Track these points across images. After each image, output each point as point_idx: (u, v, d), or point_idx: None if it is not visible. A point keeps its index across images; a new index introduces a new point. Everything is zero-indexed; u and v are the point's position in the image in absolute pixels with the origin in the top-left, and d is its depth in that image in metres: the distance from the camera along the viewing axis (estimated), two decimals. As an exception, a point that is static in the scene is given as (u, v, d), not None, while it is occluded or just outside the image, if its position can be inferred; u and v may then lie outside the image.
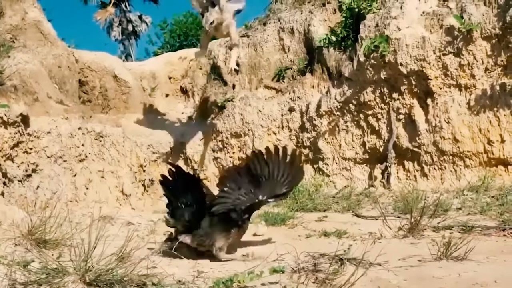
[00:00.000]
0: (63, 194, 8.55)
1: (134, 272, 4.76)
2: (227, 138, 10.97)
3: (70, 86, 10.20)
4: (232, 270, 5.50)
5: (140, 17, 33.55)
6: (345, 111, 10.05)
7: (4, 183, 7.90)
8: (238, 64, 11.58)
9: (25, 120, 8.35)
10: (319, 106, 10.29)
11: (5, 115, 7.99)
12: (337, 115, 10.12)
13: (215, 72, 12.12)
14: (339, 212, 8.39)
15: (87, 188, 9.05)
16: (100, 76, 11.18)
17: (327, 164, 10.20)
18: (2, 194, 7.81)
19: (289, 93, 10.84)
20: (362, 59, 9.71)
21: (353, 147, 10.02)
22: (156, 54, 17.97)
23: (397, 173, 9.57)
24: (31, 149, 8.42)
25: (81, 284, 4.46)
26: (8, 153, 8.04)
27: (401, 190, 8.83)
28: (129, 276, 4.68)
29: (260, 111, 10.82)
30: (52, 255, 5.74)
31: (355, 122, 10.00)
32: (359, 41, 9.97)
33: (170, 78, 13.17)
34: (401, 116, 9.54)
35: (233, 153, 10.93)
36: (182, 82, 13.09)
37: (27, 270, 4.61)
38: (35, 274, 4.51)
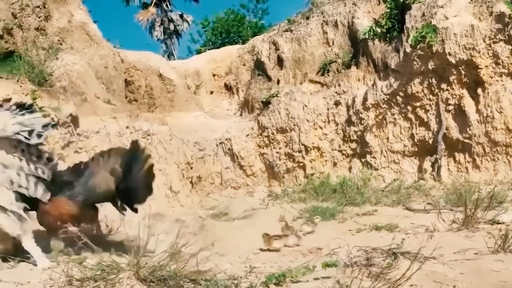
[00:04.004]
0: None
1: (187, 268, 4.77)
2: (273, 133, 10.93)
3: (116, 86, 10.30)
4: (284, 265, 5.48)
5: (181, 16, 33.72)
6: (392, 104, 9.92)
7: (56, 183, 8.00)
8: (282, 59, 11.56)
9: (74, 120, 8.48)
10: (365, 99, 10.18)
11: (56, 115, 8.11)
12: (384, 107, 9.99)
13: (259, 67, 12.09)
14: (389, 206, 8.28)
15: (136, 186, 9.11)
16: (146, 75, 11.26)
17: (375, 158, 10.09)
18: (54, 193, 7.92)
19: (335, 87, 10.75)
20: (408, 50, 9.57)
21: (401, 140, 9.89)
22: (199, 52, 18.03)
23: (448, 165, 9.41)
24: (81, 148, 8.53)
25: (135, 280, 4.48)
26: (59, 153, 8.15)
27: (452, 183, 8.67)
28: (182, 272, 4.69)
29: (305, 106, 10.75)
30: (106, 252, 5.80)
31: (403, 115, 9.86)
32: (405, 31, 9.82)
33: (214, 75, 13.19)
34: (451, 107, 9.37)
35: (280, 148, 10.88)
36: (226, 79, 13.09)
37: (83, 267, 4.65)
38: (90, 270, 4.55)
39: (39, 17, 9.55)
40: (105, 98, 9.46)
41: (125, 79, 10.90)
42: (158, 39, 34.73)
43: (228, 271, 4.98)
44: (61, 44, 9.54)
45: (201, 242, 5.49)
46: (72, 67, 9.14)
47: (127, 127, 9.23)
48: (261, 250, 6.51)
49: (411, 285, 4.26)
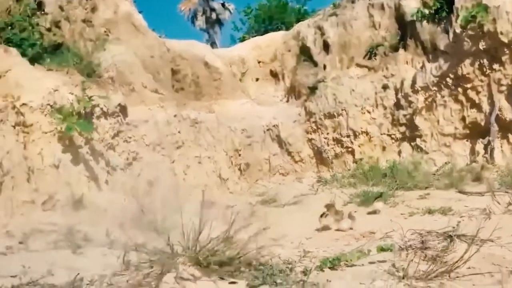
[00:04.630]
0: (163, 181, 8.70)
1: (241, 252, 4.78)
2: (320, 119, 10.87)
3: (163, 75, 10.34)
4: (337, 250, 5.45)
5: (223, 4, 33.74)
6: (442, 86, 9.76)
7: (108, 172, 8.11)
8: (327, 44, 11.46)
9: (123, 110, 8.54)
10: (414, 82, 10.04)
11: (105, 105, 8.18)
12: (434, 90, 9.84)
13: (305, 53, 12.02)
14: (441, 189, 8.19)
15: (185, 174, 9.20)
16: (192, 64, 11.27)
17: (425, 141, 9.96)
18: (107, 182, 8.02)
19: (382, 70, 10.62)
20: (458, 30, 9.39)
21: (452, 122, 9.73)
22: (242, 40, 17.97)
23: (501, 147, 9.22)
24: (130, 138, 8.60)
25: (191, 264, 4.50)
26: (109, 143, 8.24)
27: (506, 165, 8.51)
28: (237, 256, 4.70)
29: (353, 90, 10.66)
30: (159, 238, 5.86)
31: (453, 97, 9.69)
32: (454, 12, 9.64)
33: (259, 62, 13.14)
34: (503, 88, 9.17)
35: (327, 133, 10.83)
36: (271, 65, 13.03)
37: (140, 253, 4.70)
38: (147, 255, 4.60)
39: (85, 9, 9.64)
40: (152, 87, 9.51)
41: (171, 69, 10.93)
42: (200, 29, 34.83)
43: (282, 256, 4.98)
44: (107, 35, 9.60)
45: (253, 228, 5.47)
46: (119, 58, 9.20)
47: (175, 115, 9.29)
48: (317, 230, 6.54)
49: (469, 268, 4.20)
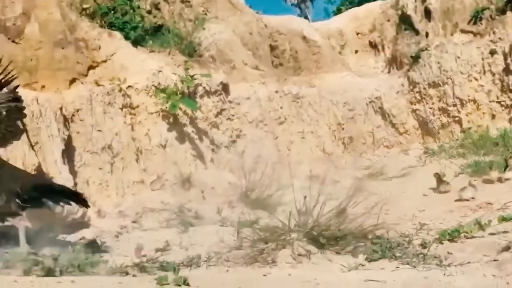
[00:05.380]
0: (267, 157, 8.69)
1: (356, 227, 4.70)
2: (424, 88, 10.51)
3: (262, 52, 10.29)
4: (454, 221, 5.28)
5: (315, -22, 33.40)
6: (556, 47, 9.23)
7: (212, 150, 8.19)
8: (429, 11, 11.07)
9: (225, 88, 8.58)
10: (524, 45, 9.55)
11: (207, 84, 8.24)
12: (547, 52, 9.33)
13: (405, 22, 11.62)
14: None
15: (289, 150, 9.15)
16: (289, 38, 11.15)
17: (539, 108, 9.47)
18: (212, 160, 8.11)
19: (489, 35, 10.12)
20: None
21: None
22: (337, 12, 17.68)
23: None
24: (233, 115, 8.63)
25: (305, 240, 4.46)
26: (213, 121, 8.30)
27: None
28: (351, 231, 4.62)
29: (458, 58, 10.23)
30: (268, 214, 5.86)
31: None
32: None
33: (357, 33, 12.84)
34: None
35: (433, 103, 10.45)
36: (370, 36, 12.71)
37: (253, 229, 4.70)
38: (260, 232, 4.59)
39: (183, -11, 9.74)
40: (252, 64, 9.48)
41: (270, 45, 10.87)
42: (292, 4, 34.62)
43: (397, 229, 4.86)
44: (205, 14, 9.64)
45: (364, 202, 5.37)
46: (219, 36, 9.22)
47: (276, 91, 9.23)
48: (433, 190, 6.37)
49: None
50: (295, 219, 4.59)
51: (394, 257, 4.12)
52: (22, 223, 4.45)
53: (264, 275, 3.77)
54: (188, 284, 3.21)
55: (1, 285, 3.23)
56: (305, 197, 4.88)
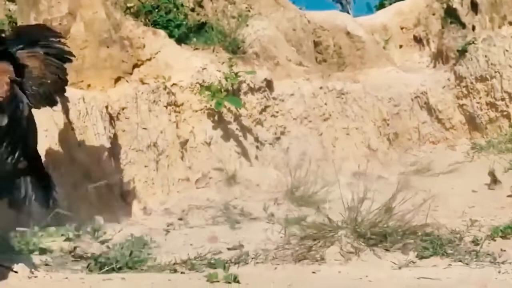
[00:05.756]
0: (312, 154, 8.63)
1: (405, 223, 4.63)
2: (471, 83, 10.31)
3: (306, 48, 10.23)
4: (506, 218, 5.17)
5: (356, -26, 33.17)
6: None
7: (257, 147, 8.16)
8: (475, 4, 10.85)
9: (269, 84, 8.54)
10: None
11: (251, 81, 8.22)
12: None
13: (451, 15, 11.42)
14: None
15: (333, 146, 9.07)
16: (333, 34, 11.06)
17: None
18: (256, 157, 8.08)
19: (538, 27, 9.91)
20: None
21: None
22: (381, 7, 17.49)
23: None
24: (277, 112, 8.59)
25: (353, 236, 4.41)
26: (257, 118, 8.28)
27: None
28: (401, 227, 4.55)
29: (506, 51, 9.99)
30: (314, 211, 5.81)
31: None
32: None
33: (402, 28, 12.67)
34: None
35: (480, 98, 10.25)
36: (415, 31, 12.53)
37: (300, 226, 4.67)
38: (308, 229, 4.55)
39: (226, -13, 9.74)
40: (296, 60, 9.43)
41: (313, 40, 10.80)
42: (333, 0, 34.46)
43: (448, 225, 4.77)
44: (249, 11, 9.61)
45: (413, 198, 5.28)
46: (263, 33, 9.18)
47: (321, 87, 9.15)
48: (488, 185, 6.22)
49: None
50: (342, 216, 4.54)
51: (445, 254, 4.04)
52: None
53: (313, 273, 3.73)
54: (238, 282, 3.19)
55: (51, 283, 3.26)
56: (353, 193, 4.82)
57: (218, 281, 3.17)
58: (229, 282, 3.16)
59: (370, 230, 4.43)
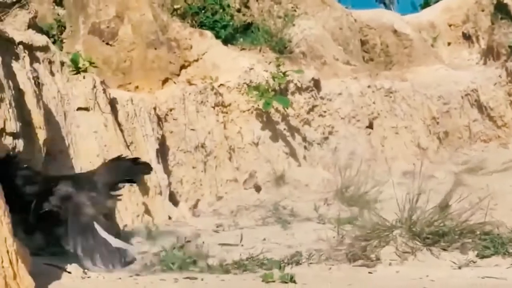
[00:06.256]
0: (360, 153, 8.52)
1: (460, 221, 4.49)
2: (525, 79, 10.07)
3: (353, 46, 10.12)
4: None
5: (400, -27, 32.85)
6: None
7: (305, 147, 8.09)
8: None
9: (316, 84, 8.47)
10: None
11: (299, 81, 8.16)
12: None
13: (501, 11, 11.16)
14: None
15: (382, 146, 8.94)
16: (380, 33, 10.92)
17: None
18: (304, 157, 8.01)
19: None
20: None
21: None
22: (425, 5, 17.23)
23: None
24: (325, 112, 8.51)
25: (409, 236, 4.30)
26: (305, 118, 8.21)
27: None
28: (459, 226, 4.42)
29: (559, 45, 9.75)
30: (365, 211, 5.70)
31: None
32: None
33: (450, 25, 12.45)
34: None
35: (534, 94, 10.01)
36: (463, 27, 12.30)
37: (352, 226, 4.58)
38: (361, 229, 4.45)
39: (272, -13, 9.69)
40: (343, 59, 9.33)
41: (359, 39, 10.68)
42: (376, 0, 34.16)
43: (509, 224, 4.61)
44: (295, 10, 9.56)
45: (468, 197, 5.13)
46: (309, 32, 9.12)
47: (369, 86, 9.03)
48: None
49: None
50: (397, 215, 4.43)
51: (507, 253, 3.89)
52: None
53: (369, 273, 3.63)
54: (294, 281, 3.12)
55: (105, 283, 3.24)
56: (405, 193, 4.70)
57: (273, 281, 3.10)
58: (286, 282, 3.08)
59: (426, 229, 4.31)
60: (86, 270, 3.27)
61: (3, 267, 2.44)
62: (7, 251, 2.47)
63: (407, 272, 3.54)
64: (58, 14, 8.25)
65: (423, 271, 3.50)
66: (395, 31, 11.00)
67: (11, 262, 2.48)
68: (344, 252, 4.12)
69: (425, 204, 4.57)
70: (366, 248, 4.14)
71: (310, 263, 3.93)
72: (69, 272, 3.10)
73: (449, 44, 12.40)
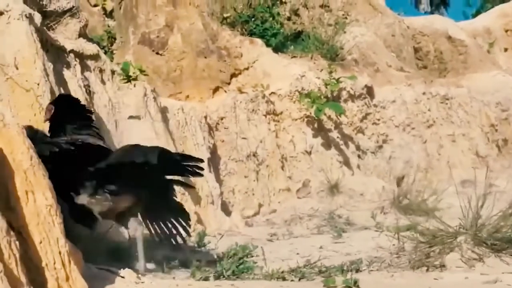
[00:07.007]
0: (416, 162, 8.30)
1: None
2: None
3: (406, 53, 9.91)
4: None
5: (449, -16, 32.36)
6: None
7: (359, 156, 7.91)
8: None
9: (369, 91, 8.30)
10: None
11: (351, 88, 8.00)
12: None
13: (560, 14, 10.83)
14: None
15: (439, 154, 8.69)
16: (433, 39, 10.68)
17: None
18: (358, 166, 7.82)
19: None
20: None
21: None
22: (477, 14, 16.87)
23: None
24: (379, 119, 8.32)
25: (474, 242, 4.08)
26: (358, 126, 8.04)
27: None
28: (528, 233, 4.17)
29: None
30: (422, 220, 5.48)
31: None
32: None
33: (506, 31, 12.12)
34: None
35: None
36: (521, 33, 11.98)
37: (413, 233, 4.37)
38: (422, 236, 4.24)
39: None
40: (397, 66, 9.13)
41: (412, 46, 10.45)
42: (425, 12, 33.73)
43: None
44: (345, 18, 9.42)
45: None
46: (361, 39, 8.95)
47: (424, 93, 8.81)
48: None
49: None
50: (461, 221, 4.21)
51: None
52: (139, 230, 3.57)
53: (435, 279, 3.43)
54: (358, 286, 2.95)
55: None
56: (466, 200, 4.47)
57: (335, 287, 2.94)
58: (349, 287, 2.92)
59: (492, 235, 4.08)
60: (140, 276, 3.16)
61: (55, 268, 2.35)
62: (59, 252, 2.38)
63: (478, 278, 3.33)
64: (108, 26, 8.30)
65: (494, 278, 3.29)
66: (449, 38, 10.73)
67: (63, 264, 2.38)
68: (406, 259, 3.92)
69: (489, 211, 4.34)
70: (430, 255, 3.94)
71: (371, 270, 3.75)
72: (123, 277, 3.00)
73: (505, 50, 12.07)
